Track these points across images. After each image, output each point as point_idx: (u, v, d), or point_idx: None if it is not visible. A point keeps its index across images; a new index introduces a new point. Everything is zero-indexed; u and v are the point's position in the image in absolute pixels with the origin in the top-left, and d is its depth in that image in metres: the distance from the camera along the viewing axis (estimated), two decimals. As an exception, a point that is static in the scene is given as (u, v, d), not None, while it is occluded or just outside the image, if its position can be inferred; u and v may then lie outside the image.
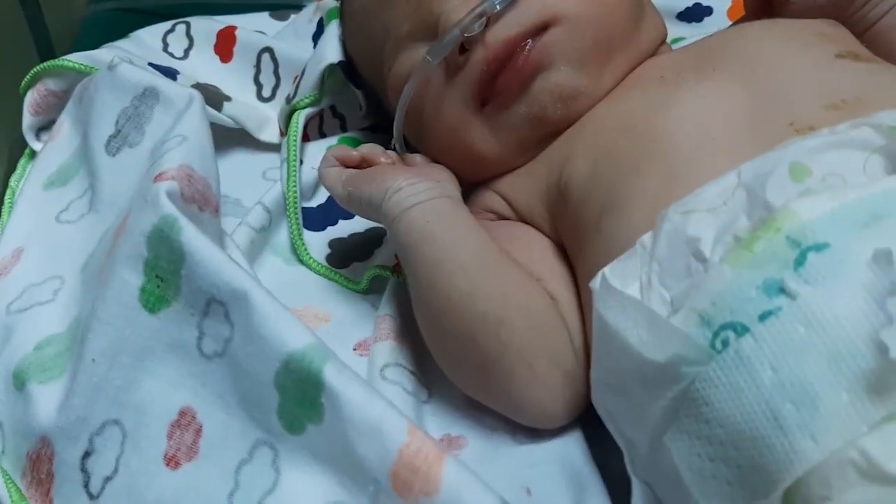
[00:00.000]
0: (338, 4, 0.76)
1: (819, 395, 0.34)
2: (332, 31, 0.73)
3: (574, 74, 0.55)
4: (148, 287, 0.50)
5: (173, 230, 0.49)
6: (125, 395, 0.49)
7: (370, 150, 0.60)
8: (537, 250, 0.56)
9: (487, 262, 0.52)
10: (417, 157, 0.61)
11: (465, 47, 0.56)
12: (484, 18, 0.55)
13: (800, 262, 0.37)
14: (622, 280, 0.42)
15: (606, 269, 0.42)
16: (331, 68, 0.71)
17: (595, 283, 0.42)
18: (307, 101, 0.72)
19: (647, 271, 0.42)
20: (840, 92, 0.47)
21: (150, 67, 0.70)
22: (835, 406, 0.34)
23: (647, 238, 0.43)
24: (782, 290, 0.36)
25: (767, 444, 0.35)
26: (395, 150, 0.63)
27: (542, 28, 0.55)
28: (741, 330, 0.37)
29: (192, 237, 0.49)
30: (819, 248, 0.37)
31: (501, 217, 0.59)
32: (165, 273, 0.49)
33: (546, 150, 0.58)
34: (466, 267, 0.51)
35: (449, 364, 0.54)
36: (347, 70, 0.72)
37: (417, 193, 0.54)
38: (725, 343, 0.37)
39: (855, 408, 0.33)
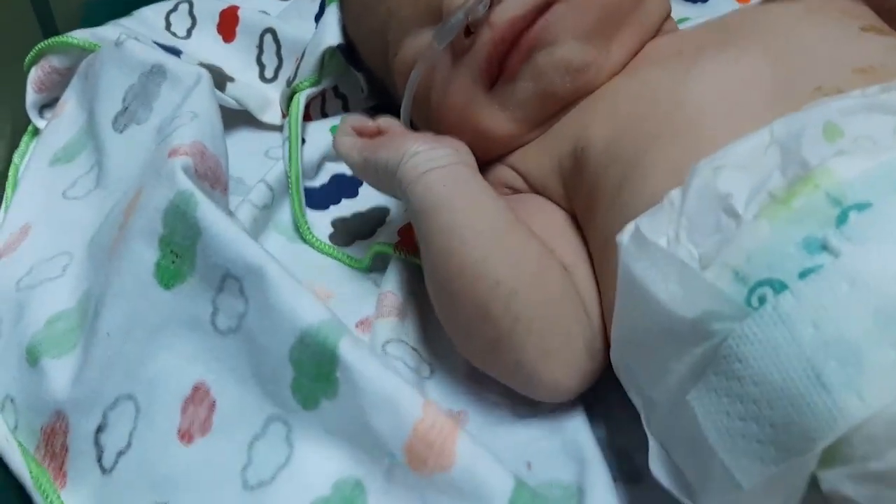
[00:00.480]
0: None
1: (865, 352, 0.34)
2: (332, 12, 0.73)
3: (581, 48, 0.56)
4: (163, 262, 0.50)
5: (189, 205, 0.50)
6: (139, 370, 0.49)
7: (387, 121, 0.59)
8: (552, 221, 0.56)
9: (503, 230, 0.52)
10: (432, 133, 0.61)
11: (469, 29, 0.56)
12: (488, 0, 0.55)
13: (841, 220, 0.36)
14: (650, 235, 0.42)
15: (634, 223, 0.42)
16: (331, 51, 0.72)
17: (624, 236, 0.42)
18: (307, 83, 0.72)
19: (674, 227, 0.41)
20: (868, 58, 0.47)
21: (155, 45, 0.70)
22: (882, 363, 0.34)
23: (675, 193, 0.42)
24: (824, 248, 0.36)
25: (808, 402, 0.34)
26: None
27: (546, 5, 0.56)
28: (779, 287, 0.36)
29: (208, 212, 0.49)
30: (861, 207, 0.36)
31: (516, 191, 0.59)
32: (181, 248, 0.50)
33: (561, 125, 0.58)
34: (482, 233, 0.51)
35: (460, 336, 0.53)
36: (347, 53, 0.72)
37: (435, 159, 0.53)
38: (762, 300, 0.36)
39: None
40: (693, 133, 0.47)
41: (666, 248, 0.40)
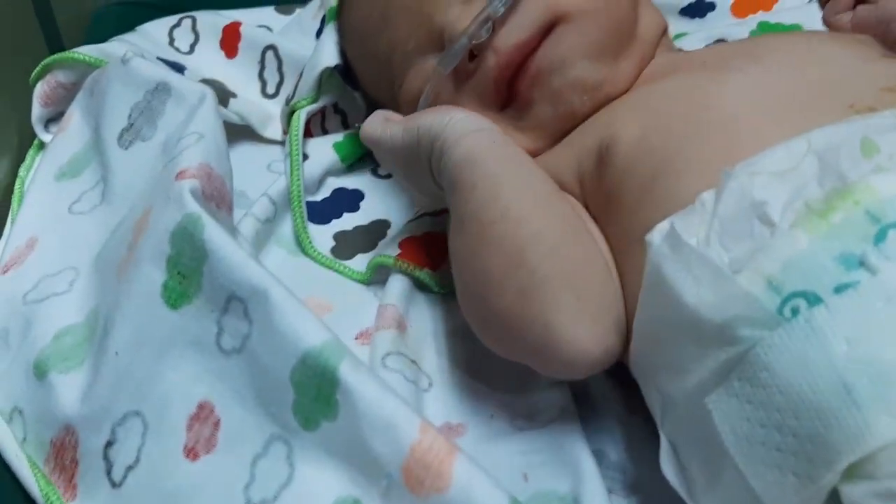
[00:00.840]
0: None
1: None
2: (330, 32, 0.74)
3: (592, 66, 0.57)
4: (170, 283, 0.51)
5: (196, 228, 0.51)
6: (146, 388, 0.51)
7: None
8: (579, 215, 0.55)
9: (549, 189, 0.52)
10: None
11: (473, 54, 0.58)
12: (490, 23, 0.56)
13: (880, 237, 0.36)
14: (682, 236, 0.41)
15: (664, 223, 0.42)
16: (328, 71, 0.73)
17: (654, 236, 0.42)
18: (305, 101, 0.73)
19: (706, 229, 0.41)
20: (894, 78, 0.48)
21: (161, 62, 0.71)
22: None
23: (707, 196, 0.42)
24: (862, 264, 0.36)
25: (837, 417, 0.34)
26: None
27: (549, 27, 0.57)
28: (814, 300, 0.36)
29: (215, 235, 0.51)
30: None
31: None
32: (188, 270, 0.51)
33: (585, 126, 0.58)
34: (532, 187, 0.51)
35: (488, 289, 0.51)
36: (345, 73, 0.73)
37: (482, 124, 0.54)
38: (795, 311, 0.36)
39: None
40: (728, 135, 0.48)
41: (700, 251, 0.40)
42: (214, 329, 0.51)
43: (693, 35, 0.80)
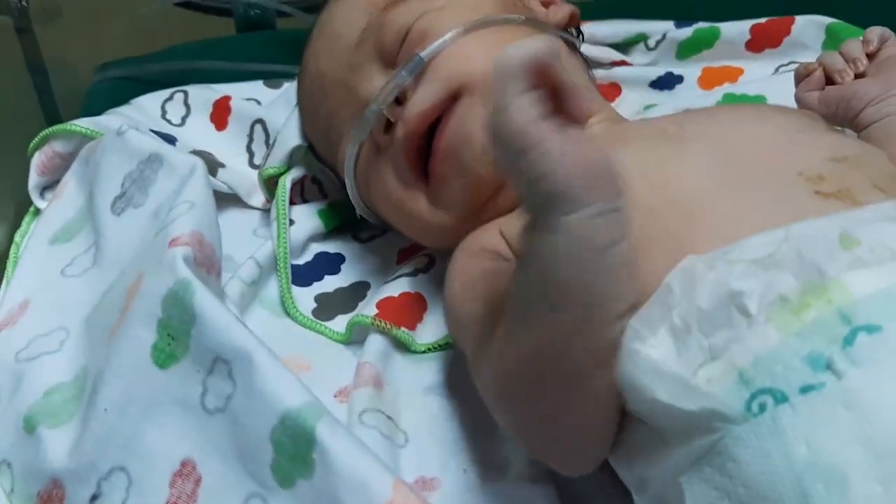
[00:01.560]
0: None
1: (852, 481, 0.34)
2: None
3: None
4: (160, 344, 0.54)
5: (187, 293, 0.54)
6: (132, 444, 0.52)
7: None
8: None
9: None
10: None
11: (391, 123, 0.60)
12: (397, 91, 0.59)
13: (849, 340, 0.36)
14: (650, 328, 0.42)
15: (633, 322, 0.42)
16: (303, 148, 0.76)
17: (626, 340, 0.42)
18: (273, 170, 0.76)
19: (680, 314, 0.41)
20: (841, 149, 0.50)
21: (154, 134, 0.74)
22: (867, 496, 0.34)
23: (672, 280, 0.42)
24: (828, 367, 0.36)
25: None
26: (360, 218, 0.69)
27: (453, 98, 0.59)
28: (780, 398, 0.36)
29: (204, 300, 0.53)
30: (870, 329, 0.36)
31: (502, 256, 0.57)
32: (177, 332, 0.54)
33: None
34: None
35: (530, 383, 0.48)
36: (315, 150, 0.76)
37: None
38: (763, 408, 0.37)
39: (889, 502, 0.33)
40: (685, 209, 0.48)
41: (662, 367, 0.40)
42: (200, 389, 0.53)
43: (662, 106, 0.84)
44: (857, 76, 0.63)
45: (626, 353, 0.41)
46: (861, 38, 0.64)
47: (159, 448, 0.52)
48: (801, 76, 0.66)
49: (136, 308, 0.55)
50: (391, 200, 0.63)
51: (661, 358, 0.41)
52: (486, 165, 0.58)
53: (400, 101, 0.60)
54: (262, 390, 0.50)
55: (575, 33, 0.72)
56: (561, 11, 0.69)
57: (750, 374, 0.38)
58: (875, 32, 0.64)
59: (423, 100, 0.59)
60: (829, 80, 0.64)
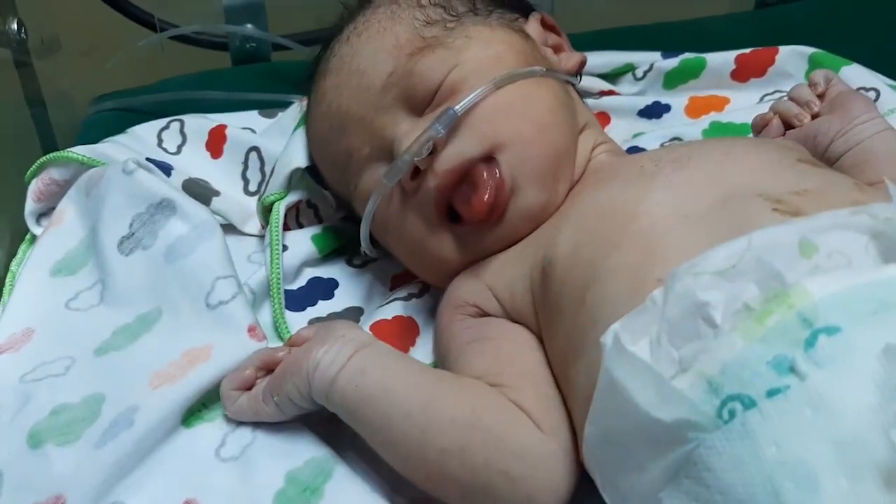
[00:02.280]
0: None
1: (819, 477, 0.35)
2: (300, 134, 0.78)
3: (537, 194, 0.61)
4: (195, 407, 0.59)
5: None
6: (140, 479, 0.55)
7: (260, 358, 0.60)
8: (506, 347, 0.58)
9: (427, 397, 0.54)
10: (305, 332, 0.62)
11: (418, 170, 0.62)
12: (430, 143, 0.61)
13: (810, 342, 0.38)
14: (632, 336, 0.43)
15: (616, 325, 0.43)
16: (300, 172, 0.77)
17: (606, 340, 0.43)
18: (274, 196, 0.77)
19: (657, 328, 0.43)
20: (803, 184, 0.52)
21: (165, 177, 0.76)
22: (834, 490, 0.35)
23: (657, 294, 0.44)
24: (792, 370, 0.37)
25: None
26: (364, 254, 0.70)
27: (487, 156, 0.61)
28: (748, 403, 0.38)
29: None
30: (830, 331, 0.38)
31: (482, 311, 0.61)
32: (215, 405, 0.60)
33: (530, 238, 0.62)
34: (410, 413, 0.53)
35: (433, 491, 0.54)
36: (314, 172, 0.77)
37: (335, 360, 0.55)
38: (732, 414, 0.38)
39: (856, 495, 0.35)
40: (646, 242, 0.51)
41: (643, 359, 0.41)
42: (218, 443, 0.56)
43: (650, 133, 0.85)
44: (813, 117, 0.68)
45: (611, 352, 0.43)
46: (807, 83, 0.70)
47: (164, 489, 0.55)
48: (759, 126, 0.71)
49: (197, 374, 0.58)
50: (412, 240, 0.65)
51: (644, 357, 0.42)
52: (524, 221, 0.62)
53: (430, 150, 0.62)
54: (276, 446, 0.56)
55: (578, 77, 0.75)
56: (572, 59, 0.73)
57: (718, 382, 0.39)
58: (819, 75, 0.70)
59: (457, 155, 0.61)
60: (788, 126, 0.69)
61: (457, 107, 0.61)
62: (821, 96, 0.69)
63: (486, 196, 0.60)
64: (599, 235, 0.54)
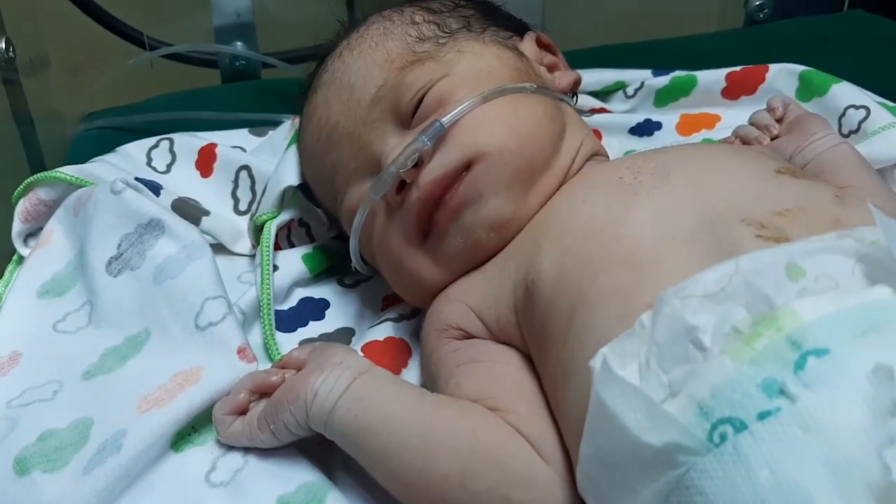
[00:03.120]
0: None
1: (813, 499, 0.35)
2: (292, 152, 0.78)
3: (501, 205, 0.60)
4: (184, 431, 0.58)
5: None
6: None
7: (254, 381, 0.59)
8: (498, 368, 0.58)
9: (428, 425, 0.53)
10: (297, 353, 0.61)
11: (404, 184, 0.62)
12: (416, 156, 0.60)
13: (800, 364, 0.38)
14: (621, 360, 0.43)
15: (605, 349, 0.43)
16: (292, 189, 0.76)
17: (595, 363, 0.43)
18: (267, 216, 0.76)
19: (645, 352, 0.42)
20: (784, 202, 0.52)
21: (154, 196, 0.75)
22: None
23: (645, 318, 0.43)
24: (782, 392, 0.37)
25: None
26: (354, 270, 0.70)
27: (467, 165, 0.61)
28: (739, 426, 0.38)
29: None
30: (819, 352, 0.38)
31: (467, 333, 0.61)
32: (204, 428, 0.59)
33: (509, 252, 0.61)
34: (411, 442, 0.52)
35: None
36: (306, 190, 0.77)
37: (333, 388, 0.54)
38: (724, 437, 0.38)
39: None
40: (633, 264, 0.50)
41: (631, 382, 0.41)
42: (208, 467, 0.55)
43: (641, 151, 0.85)
44: (773, 139, 0.70)
45: (600, 375, 0.43)
46: (766, 108, 0.74)
47: None
48: None
49: (186, 397, 0.57)
50: (391, 255, 0.65)
51: (633, 381, 0.42)
52: (486, 231, 0.61)
53: (416, 163, 0.62)
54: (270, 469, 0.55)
55: (574, 96, 0.74)
56: (566, 78, 0.72)
57: (709, 405, 0.39)
58: (777, 101, 0.74)
59: (440, 166, 0.61)
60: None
61: (443, 119, 0.61)
62: (780, 120, 0.72)
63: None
64: (584, 257, 0.54)
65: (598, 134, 0.90)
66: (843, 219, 0.50)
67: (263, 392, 0.58)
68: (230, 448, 0.57)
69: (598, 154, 0.68)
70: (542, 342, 0.55)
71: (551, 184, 0.63)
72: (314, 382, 0.55)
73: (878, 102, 0.81)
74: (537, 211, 0.62)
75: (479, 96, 0.62)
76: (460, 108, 0.61)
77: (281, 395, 0.56)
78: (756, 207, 0.52)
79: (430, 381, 0.62)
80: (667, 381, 0.41)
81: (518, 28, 0.74)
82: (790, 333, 0.39)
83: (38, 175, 0.78)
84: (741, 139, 0.72)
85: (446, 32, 0.68)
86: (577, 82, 0.74)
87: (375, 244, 0.66)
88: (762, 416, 0.37)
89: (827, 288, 0.42)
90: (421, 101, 0.64)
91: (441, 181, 0.61)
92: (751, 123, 0.73)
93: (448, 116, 0.61)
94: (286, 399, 0.55)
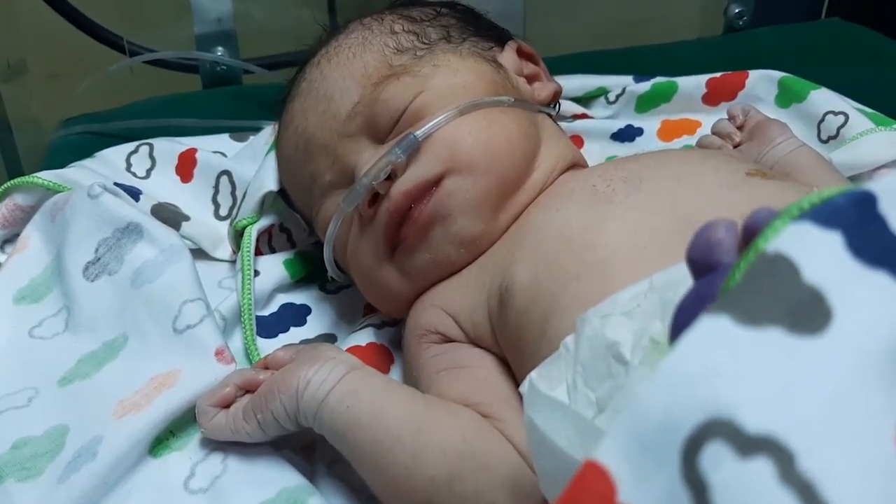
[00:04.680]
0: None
1: None
2: (273, 157, 0.78)
3: (470, 222, 0.61)
4: (161, 436, 0.57)
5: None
6: None
7: (241, 377, 0.58)
8: (480, 374, 0.58)
9: (418, 424, 0.53)
10: (282, 353, 0.61)
11: (378, 196, 0.62)
12: (388, 168, 0.60)
13: None
14: (549, 383, 0.43)
15: (533, 374, 0.43)
16: (272, 195, 0.76)
17: (524, 388, 0.43)
18: (246, 221, 0.76)
19: (571, 374, 0.44)
20: (755, 204, 0.51)
21: (133, 201, 0.75)
22: None
23: (570, 340, 0.44)
24: None
25: None
26: (331, 280, 0.70)
27: (438, 180, 0.61)
28: None
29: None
30: None
31: (446, 337, 0.61)
32: (183, 432, 0.58)
33: (485, 261, 0.61)
34: (400, 439, 0.52)
35: None
36: (286, 195, 0.76)
37: (326, 379, 0.54)
38: None
39: None
40: (605, 274, 0.51)
41: (559, 399, 0.42)
42: (186, 473, 0.55)
43: (623, 157, 0.86)
44: (736, 146, 0.72)
45: (531, 398, 0.43)
46: (727, 116, 0.75)
47: None
48: None
49: (164, 400, 0.57)
50: (364, 267, 0.65)
51: (563, 400, 0.42)
52: (455, 247, 0.61)
53: (390, 176, 0.61)
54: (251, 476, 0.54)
55: (555, 106, 0.74)
56: (546, 89, 0.72)
57: None
58: (737, 109, 0.75)
59: (411, 179, 0.61)
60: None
61: (417, 132, 0.61)
62: (741, 128, 0.73)
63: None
64: (557, 264, 0.54)
65: (579, 139, 0.91)
66: None
67: (249, 389, 0.58)
68: (209, 453, 0.56)
69: (577, 165, 0.68)
70: (517, 350, 0.55)
71: (524, 200, 0.63)
72: (307, 373, 0.54)
73: (857, 108, 0.82)
74: (510, 225, 0.62)
75: (454, 110, 0.62)
76: (435, 121, 0.62)
77: (271, 385, 0.55)
78: (728, 212, 0.51)
79: (413, 386, 0.61)
80: (594, 398, 0.42)
81: (500, 37, 0.74)
82: None
83: (16, 180, 0.78)
84: (704, 148, 0.73)
85: (425, 44, 0.68)
86: (557, 93, 0.74)
87: (348, 256, 0.66)
88: None
89: None
90: (399, 119, 0.64)
91: (411, 194, 0.61)
92: (713, 132, 0.74)
93: (422, 130, 0.61)
94: (277, 388, 0.55)
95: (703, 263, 0.34)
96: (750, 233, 0.33)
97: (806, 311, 0.28)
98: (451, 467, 0.51)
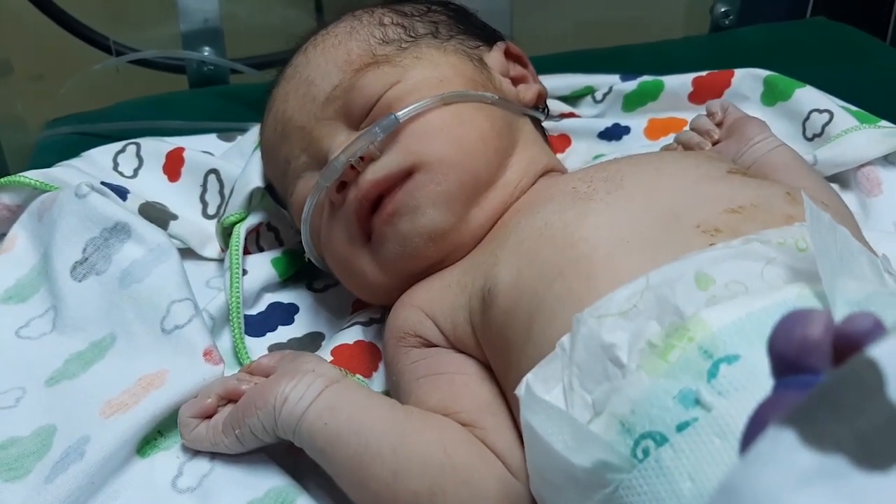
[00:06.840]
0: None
1: None
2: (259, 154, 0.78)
3: (439, 217, 0.60)
4: (149, 437, 0.57)
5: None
6: None
7: (223, 386, 0.58)
8: (459, 380, 0.57)
9: (398, 438, 0.52)
10: (266, 360, 0.61)
11: (345, 183, 0.62)
12: (367, 146, 0.61)
13: (712, 373, 0.38)
14: (545, 384, 0.43)
15: (529, 376, 0.44)
16: (260, 191, 0.76)
17: (520, 390, 0.43)
18: (234, 217, 0.76)
19: (567, 374, 0.43)
20: (737, 199, 0.52)
21: (120, 200, 0.74)
22: None
23: (565, 340, 0.44)
24: (697, 402, 0.38)
25: None
26: (309, 262, 0.70)
27: (408, 173, 0.61)
28: (660, 440, 0.38)
29: None
30: (730, 359, 0.38)
31: (426, 340, 0.60)
32: (169, 431, 0.58)
33: (466, 264, 0.61)
34: (381, 454, 0.52)
35: None
36: (274, 192, 0.76)
37: (304, 396, 0.53)
38: (646, 452, 0.38)
39: None
40: (587, 270, 0.50)
41: (555, 405, 0.42)
42: (174, 472, 0.55)
43: (610, 156, 0.86)
44: (714, 143, 0.71)
45: (528, 401, 0.43)
46: (706, 113, 0.74)
47: None
48: None
49: (152, 400, 0.57)
50: (338, 255, 0.65)
51: (559, 404, 0.42)
52: (423, 241, 0.61)
53: (363, 158, 0.61)
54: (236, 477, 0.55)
55: (542, 109, 0.74)
56: (530, 91, 0.72)
57: (630, 422, 0.39)
58: (716, 105, 0.74)
59: (381, 168, 0.61)
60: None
61: (399, 113, 0.61)
62: (719, 124, 0.73)
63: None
64: (540, 263, 0.53)
65: (567, 139, 0.91)
66: (794, 216, 0.50)
67: (231, 398, 0.57)
68: (197, 452, 0.56)
69: (554, 170, 0.68)
70: (502, 352, 0.55)
71: (498, 199, 0.63)
72: (284, 388, 0.54)
73: (841, 106, 0.83)
74: (485, 225, 0.62)
75: (437, 97, 0.62)
76: (416, 105, 0.62)
77: (249, 400, 0.55)
78: (709, 207, 0.52)
79: (393, 389, 0.62)
80: (591, 400, 0.42)
81: (490, 38, 0.74)
82: (701, 343, 0.39)
83: (2, 180, 0.77)
84: (683, 145, 0.73)
85: (411, 37, 0.68)
86: (542, 96, 0.73)
87: (322, 243, 0.66)
88: (680, 427, 0.38)
89: (737, 293, 0.42)
90: (373, 106, 0.64)
91: (380, 183, 0.61)
92: (692, 128, 0.74)
93: (403, 111, 0.61)
94: (254, 404, 0.55)
95: (790, 363, 0.30)
96: (845, 339, 0.29)
97: (880, 440, 0.25)
98: (433, 481, 0.51)
